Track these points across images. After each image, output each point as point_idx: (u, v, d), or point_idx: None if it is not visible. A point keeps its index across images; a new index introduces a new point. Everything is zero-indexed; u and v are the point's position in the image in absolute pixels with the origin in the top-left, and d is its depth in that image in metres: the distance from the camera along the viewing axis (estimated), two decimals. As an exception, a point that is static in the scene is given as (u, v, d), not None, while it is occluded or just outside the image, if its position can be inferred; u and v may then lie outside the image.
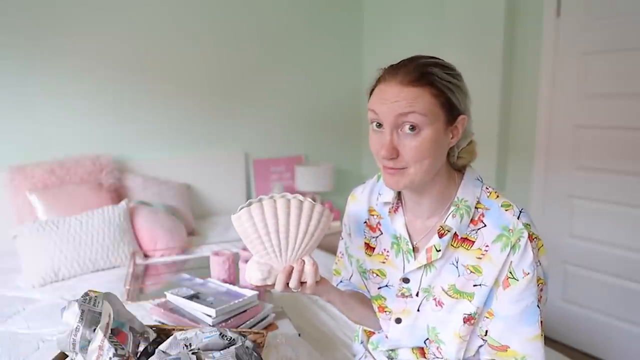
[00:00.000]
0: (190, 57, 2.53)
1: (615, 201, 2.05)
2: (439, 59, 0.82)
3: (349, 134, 3.27)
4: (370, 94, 0.85)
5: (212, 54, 2.60)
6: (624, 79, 1.96)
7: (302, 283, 0.83)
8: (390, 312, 0.93)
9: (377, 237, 0.96)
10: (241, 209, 0.81)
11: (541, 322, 0.81)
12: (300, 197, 0.84)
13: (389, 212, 0.92)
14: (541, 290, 0.82)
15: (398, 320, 0.92)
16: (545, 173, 2.28)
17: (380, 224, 0.96)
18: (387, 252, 0.93)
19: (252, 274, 0.83)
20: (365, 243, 0.97)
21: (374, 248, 0.96)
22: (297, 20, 2.90)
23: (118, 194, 2.20)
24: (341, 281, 1.08)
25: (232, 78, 2.68)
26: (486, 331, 0.84)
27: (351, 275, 1.05)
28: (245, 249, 1.55)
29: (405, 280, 0.90)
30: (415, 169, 0.78)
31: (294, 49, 2.92)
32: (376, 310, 0.97)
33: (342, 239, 1.07)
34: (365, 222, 0.98)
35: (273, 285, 0.84)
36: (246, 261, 1.42)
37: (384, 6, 3.03)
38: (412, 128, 0.76)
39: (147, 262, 1.89)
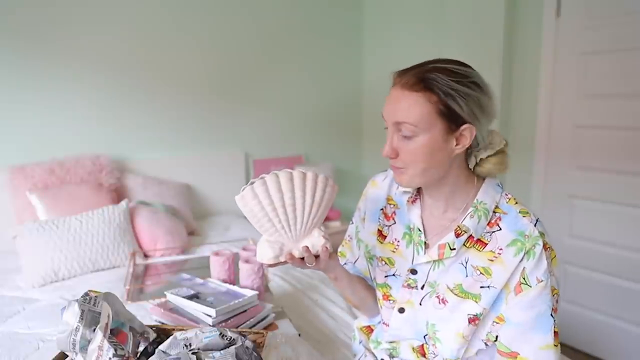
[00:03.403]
0: (190, 57, 2.52)
1: (615, 201, 2.05)
2: (456, 63, 0.80)
3: (349, 134, 3.27)
4: None
5: (212, 54, 2.60)
6: (624, 79, 1.96)
7: (316, 257, 0.85)
8: (394, 301, 0.94)
9: (390, 226, 0.97)
10: (244, 188, 0.80)
11: (555, 332, 0.80)
12: (302, 170, 0.84)
13: (407, 201, 0.93)
14: (556, 301, 0.82)
15: (401, 310, 0.92)
16: (545, 173, 2.28)
17: (395, 214, 0.97)
18: (398, 242, 0.94)
19: (263, 253, 0.83)
20: (379, 230, 0.99)
21: (385, 236, 0.97)
22: (297, 20, 2.90)
23: (118, 194, 2.20)
24: (345, 264, 1.09)
25: (232, 78, 2.68)
26: (496, 337, 0.84)
27: (357, 259, 1.06)
28: (245, 248, 1.55)
29: (413, 271, 0.90)
30: (413, 171, 0.82)
31: (294, 49, 2.92)
32: (380, 297, 0.97)
33: (353, 223, 1.09)
34: (382, 209, 1.00)
35: (285, 262, 0.84)
36: (246, 261, 1.42)
37: (384, 6, 3.03)
38: (405, 135, 0.80)
39: (147, 262, 1.88)
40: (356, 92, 3.24)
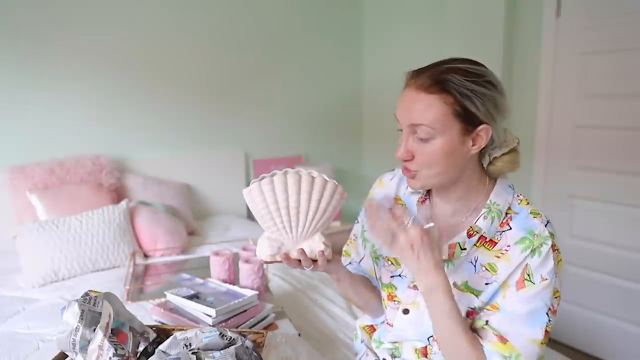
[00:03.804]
0: (190, 57, 2.52)
1: (615, 201, 2.05)
2: (469, 63, 0.80)
3: (349, 134, 3.27)
4: None
5: (212, 54, 2.60)
6: (624, 79, 1.96)
7: (314, 261, 0.85)
8: (399, 302, 0.93)
9: None
10: (253, 182, 0.82)
11: (547, 331, 0.80)
12: (315, 174, 0.84)
13: (417, 201, 0.93)
14: (557, 303, 0.82)
15: (406, 311, 0.92)
16: (545, 173, 2.28)
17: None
18: None
19: (262, 250, 0.84)
20: None
21: None
22: (297, 20, 2.90)
23: (118, 194, 2.20)
24: (350, 263, 1.08)
25: (232, 78, 2.68)
26: (486, 321, 0.84)
27: (362, 259, 1.05)
28: (245, 248, 1.55)
29: None
30: (427, 173, 0.82)
31: (294, 48, 2.92)
32: (385, 298, 0.97)
33: (358, 222, 1.08)
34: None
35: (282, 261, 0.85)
36: (246, 261, 1.42)
37: (384, 6, 3.03)
38: (422, 137, 0.79)
39: (147, 262, 1.88)
40: (356, 92, 3.24)
